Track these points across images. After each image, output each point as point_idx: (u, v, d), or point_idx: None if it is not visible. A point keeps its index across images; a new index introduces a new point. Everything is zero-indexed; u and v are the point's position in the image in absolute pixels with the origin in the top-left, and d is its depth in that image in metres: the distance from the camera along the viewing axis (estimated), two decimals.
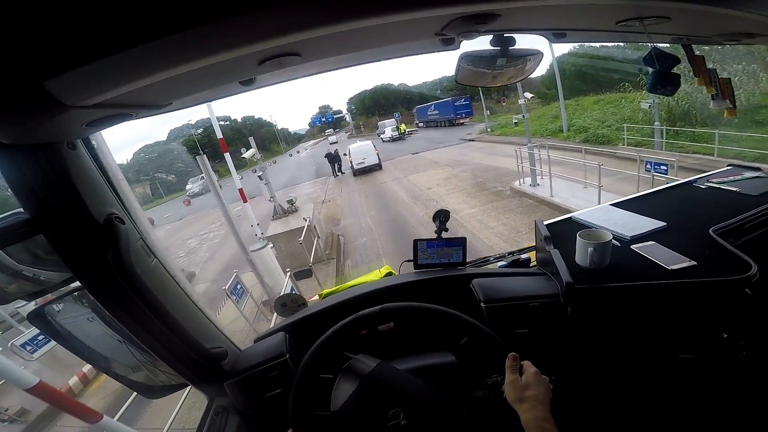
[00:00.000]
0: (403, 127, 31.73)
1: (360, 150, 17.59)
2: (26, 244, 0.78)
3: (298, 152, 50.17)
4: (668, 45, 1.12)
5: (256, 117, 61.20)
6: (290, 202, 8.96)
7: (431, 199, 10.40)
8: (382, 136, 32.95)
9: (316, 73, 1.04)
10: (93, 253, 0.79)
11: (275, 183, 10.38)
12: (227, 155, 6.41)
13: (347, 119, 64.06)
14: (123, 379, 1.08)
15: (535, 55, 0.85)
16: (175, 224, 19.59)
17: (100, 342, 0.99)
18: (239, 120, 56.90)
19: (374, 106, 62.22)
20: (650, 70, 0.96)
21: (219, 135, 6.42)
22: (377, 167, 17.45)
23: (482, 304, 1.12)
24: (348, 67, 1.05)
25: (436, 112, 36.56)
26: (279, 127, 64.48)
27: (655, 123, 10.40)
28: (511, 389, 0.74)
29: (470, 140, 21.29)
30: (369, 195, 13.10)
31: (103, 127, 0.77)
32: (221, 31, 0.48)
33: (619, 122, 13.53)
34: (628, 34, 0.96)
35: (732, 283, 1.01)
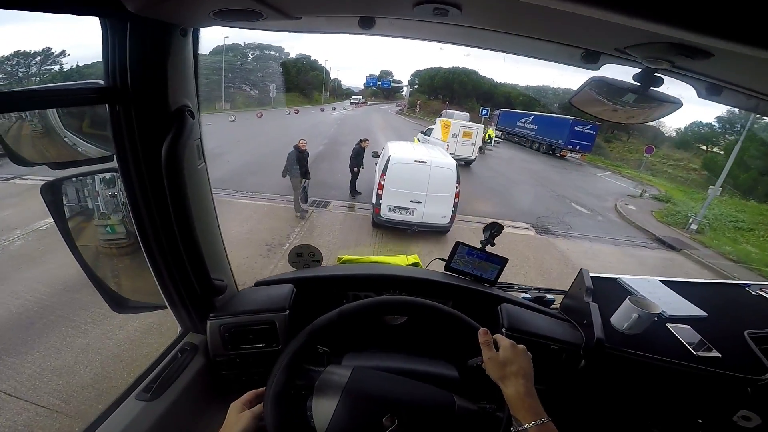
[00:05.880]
0: (491, 131, 19.44)
1: (415, 170, 5.82)
2: (83, 111, 0.78)
3: (333, 109, 40.44)
4: None
5: (312, 58, 52.95)
6: None
7: None
8: None
9: (440, 41, 0.96)
10: (149, 136, 0.75)
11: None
12: None
13: (404, 92, 52.89)
14: (99, 283, 0.96)
15: (674, 104, 0.71)
16: None
17: (96, 237, 0.94)
18: (293, 56, 50.62)
19: (444, 88, 50.07)
20: None
21: None
22: (443, 230, 6.16)
23: (503, 329, 1.09)
24: (474, 46, 0.95)
25: (534, 126, 24.75)
26: (333, 76, 57.15)
27: None
28: (492, 366, 0.71)
29: None
30: None
31: (229, 21, 0.73)
32: None
33: None
34: None
35: (741, 380, 1.07)
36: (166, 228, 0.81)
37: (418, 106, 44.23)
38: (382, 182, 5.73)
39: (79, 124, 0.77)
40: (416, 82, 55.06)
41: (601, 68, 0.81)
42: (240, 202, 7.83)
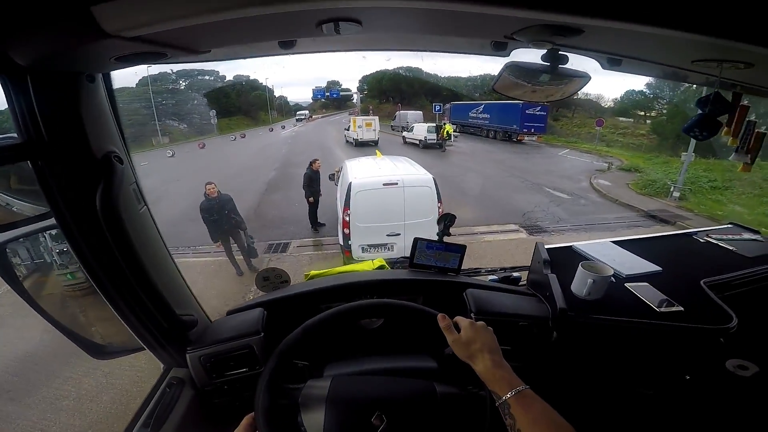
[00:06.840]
0: (448, 128, 18.80)
1: (385, 195, 4.61)
2: (9, 170, 0.74)
3: (283, 127, 38.59)
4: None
5: (251, 78, 50.24)
6: None
7: None
8: (405, 134, 20.61)
9: (362, 49, 1.02)
10: (79, 188, 0.73)
11: None
12: None
13: (354, 100, 52.23)
14: (72, 335, 0.99)
15: (582, 78, 0.79)
16: None
17: (60, 285, 0.96)
18: (230, 78, 47.39)
19: (393, 90, 49.94)
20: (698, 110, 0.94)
21: None
22: None
23: (472, 315, 1.11)
24: (393, 50, 1.02)
25: (487, 115, 24.73)
26: (277, 94, 54.37)
27: None
28: (458, 348, 0.73)
29: None
30: None
31: (132, 63, 0.71)
32: None
33: None
34: (691, 73, 0.91)
35: (711, 331, 1.06)
36: (120, 276, 0.80)
37: (370, 111, 43.63)
38: (347, 218, 4.57)
39: (5, 183, 0.74)
40: (365, 87, 54.48)
41: (513, 54, 0.86)
42: (181, 261, 6.29)
